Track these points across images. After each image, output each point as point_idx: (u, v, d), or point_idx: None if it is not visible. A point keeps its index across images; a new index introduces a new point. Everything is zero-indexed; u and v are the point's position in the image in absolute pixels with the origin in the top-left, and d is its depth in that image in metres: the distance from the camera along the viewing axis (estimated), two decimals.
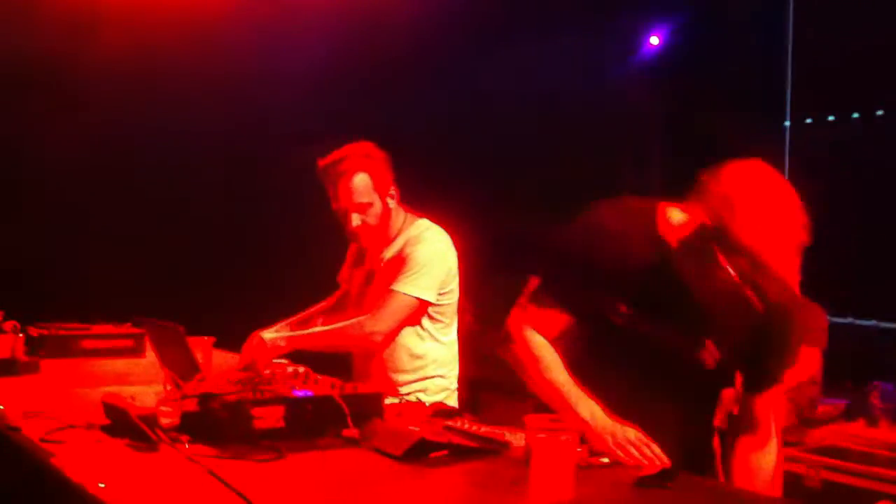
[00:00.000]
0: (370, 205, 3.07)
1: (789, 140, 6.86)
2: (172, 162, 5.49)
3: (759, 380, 2.20)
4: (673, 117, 6.96)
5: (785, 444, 5.00)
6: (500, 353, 2.29)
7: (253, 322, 3.13)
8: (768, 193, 1.96)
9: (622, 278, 2.08)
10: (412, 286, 3.00)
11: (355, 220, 3.08)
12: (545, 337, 2.20)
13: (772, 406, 2.22)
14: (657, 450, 2.02)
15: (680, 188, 2.05)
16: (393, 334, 3.03)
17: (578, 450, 1.83)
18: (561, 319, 2.18)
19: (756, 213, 1.92)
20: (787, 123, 6.90)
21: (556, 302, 2.18)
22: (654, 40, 7.13)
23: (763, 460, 2.19)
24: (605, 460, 1.99)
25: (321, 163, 3.11)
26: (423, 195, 3.26)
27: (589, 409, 2.10)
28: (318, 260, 3.67)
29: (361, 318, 3.03)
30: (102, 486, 1.79)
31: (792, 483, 4.55)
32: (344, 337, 3.05)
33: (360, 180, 3.06)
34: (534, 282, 2.28)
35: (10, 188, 5.11)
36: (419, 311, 3.04)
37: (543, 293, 2.20)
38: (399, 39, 5.70)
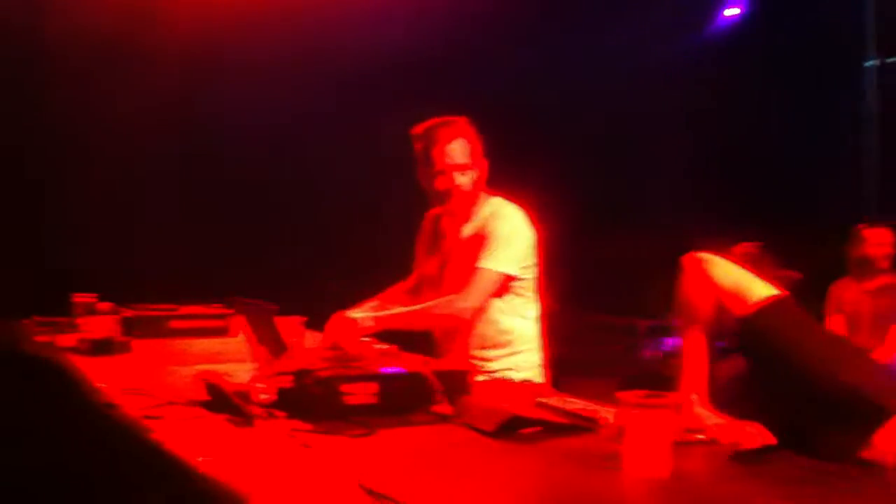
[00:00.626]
0: (469, 167, 3.12)
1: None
2: (264, 145, 5.59)
3: None
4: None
5: None
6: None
7: (334, 303, 3.18)
8: None
9: None
10: (495, 261, 3.03)
11: (457, 177, 3.11)
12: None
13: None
14: (756, 428, 2.00)
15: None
16: (481, 310, 3.06)
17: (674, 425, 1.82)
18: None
19: None
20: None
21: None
22: (732, 11, 7.00)
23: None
24: (701, 436, 1.97)
25: (420, 127, 3.16)
26: (497, 176, 3.29)
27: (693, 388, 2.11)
28: (397, 243, 3.71)
29: (450, 296, 3.06)
30: (201, 459, 1.83)
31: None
32: (433, 315, 3.08)
33: (462, 144, 3.11)
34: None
35: (103, 173, 5.26)
36: (504, 285, 3.07)
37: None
38: (467, 25, 5.72)
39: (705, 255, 2.26)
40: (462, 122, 3.16)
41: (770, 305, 2.14)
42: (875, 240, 5.38)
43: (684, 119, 6.71)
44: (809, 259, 4.15)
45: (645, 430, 1.73)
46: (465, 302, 3.04)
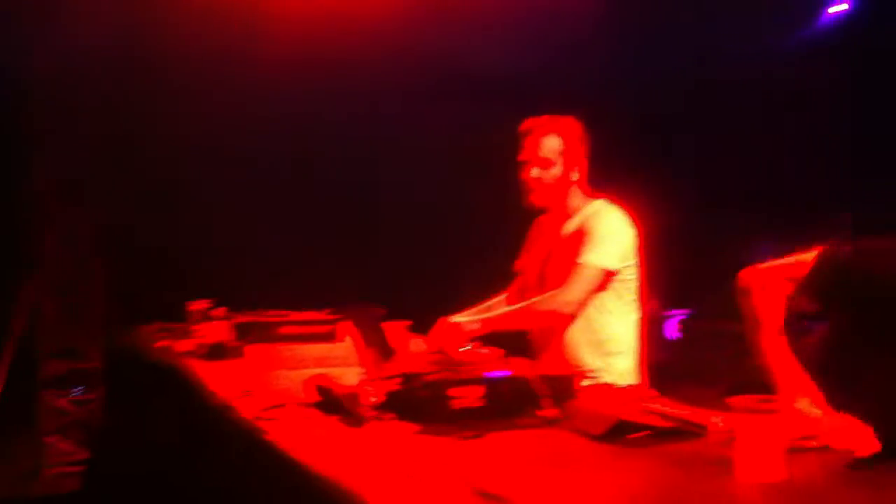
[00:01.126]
0: (552, 163, 3.17)
1: None
2: (371, 155, 5.67)
3: None
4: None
5: None
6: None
7: (437, 309, 3.21)
8: None
9: None
10: (595, 256, 3.05)
11: (533, 171, 3.18)
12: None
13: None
14: (871, 436, 1.94)
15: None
16: (582, 305, 3.06)
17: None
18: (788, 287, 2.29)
19: None
20: None
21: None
22: (839, 7, 6.78)
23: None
24: (814, 442, 1.93)
25: (526, 122, 3.23)
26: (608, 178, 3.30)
27: (802, 391, 2.07)
28: (501, 250, 3.73)
29: (551, 292, 3.08)
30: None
31: None
32: (536, 312, 3.10)
33: (551, 140, 3.17)
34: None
35: (214, 185, 5.44)
36: (604, 282, 3.07)
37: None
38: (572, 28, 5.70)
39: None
40: (563, 120, 3.21)
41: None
42: None
43: (794, 117, 6.53)
44: None
45: (758, 435, 1.70)
46: (567, 296, 3.05)
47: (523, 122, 3.25)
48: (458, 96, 5.76)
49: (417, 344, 3.09)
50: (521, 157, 3.21)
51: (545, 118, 3.22)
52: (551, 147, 3.18)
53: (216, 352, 3.34)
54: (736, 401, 1.76)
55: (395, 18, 5.46)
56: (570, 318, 3.08)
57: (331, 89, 5.61)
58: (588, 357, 3.11)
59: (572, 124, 3.21)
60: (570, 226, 3.20)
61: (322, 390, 2.34)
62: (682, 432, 2.05)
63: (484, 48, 5.66)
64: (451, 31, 5.59)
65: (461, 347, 2.85)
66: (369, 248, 5.56)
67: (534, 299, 3.13)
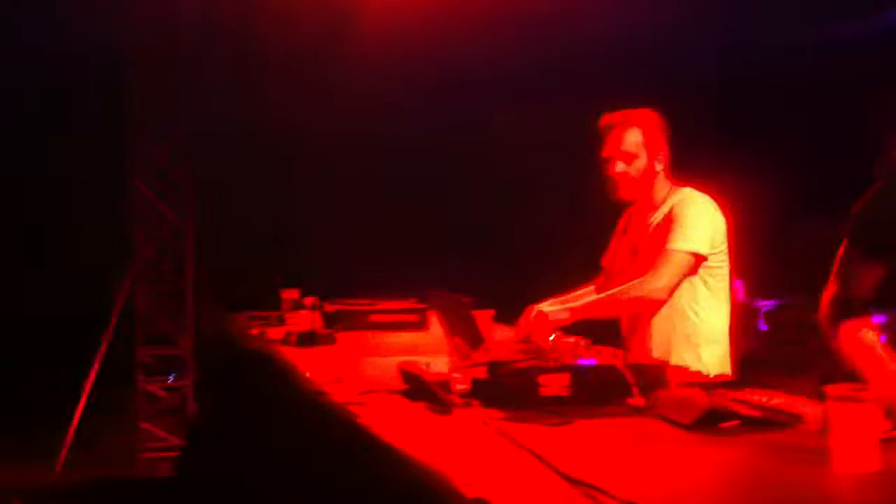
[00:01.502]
0: (636, 156, 3.19)
1: None
2: (455, 146, 5.71)
3: None
4: None
5: None
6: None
7: (525, 298, 3.23)
8: None
9: None
10: (684, 241, 3.04)
11: (618, 166, 3.21)
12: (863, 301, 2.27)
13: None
14: None
15: None
16: (672, 291, 3.05)
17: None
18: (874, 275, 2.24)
19: None
20: None
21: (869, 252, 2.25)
22: None
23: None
24: None
25: (604, 118, 3.26)
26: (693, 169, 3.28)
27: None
28: (588, 240, 3.73)
29: (641, 278, 3.07)
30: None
31: None
32: (625, 300, 3.09)
33: (632, 133, 3.20)
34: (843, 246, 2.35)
35: (305, 175, 5.54)
36: (694, 267, 3.05)
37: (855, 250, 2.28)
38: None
39: None
40: (641, 113, 3.23)
41: None
42: None
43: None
44: None
45: (853, 423, 1.67)
46: (657, 283, 3.03)
47: (601, 117, 3.27)
48: (546, 90, 5.76)
49: (504, 333, 3.12)
50: (604, 153, 3.23)
51: (623, 112, 3.24)
52: (634, 140, 3.19)
53: (307, 339, 3.42)
54: (831, 389, 1.73)
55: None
56: (660, 304, 3.07)
57: (400, 83, 5.66)
58: (678, 346, 3.09)
59: (651, 115, 3.23)
60: (658, 215, 3.19)
61: (411, 377, 2.38)
62: (775, 422, 2.02)
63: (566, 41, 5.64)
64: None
65: (549, 336, 2.87)
66: (456, 238, 5.60)
67: (623, 286, 3.13)
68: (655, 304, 3.07)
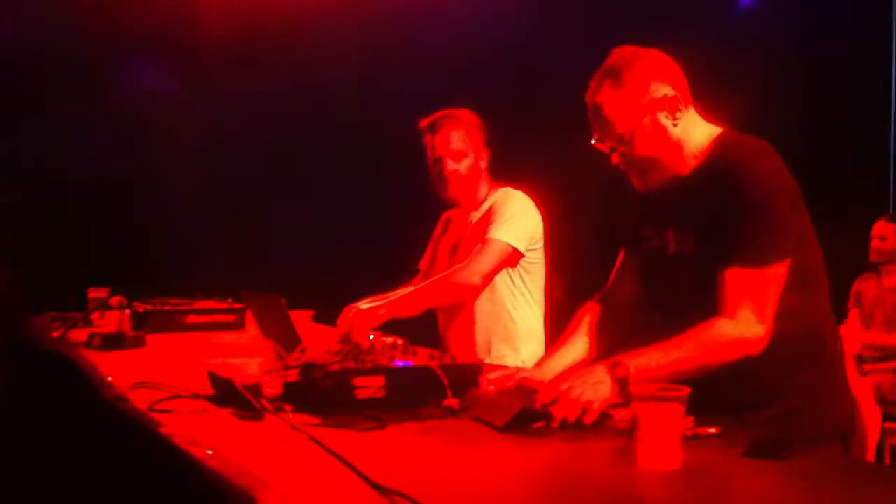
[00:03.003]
0: (465, 154, 3.23)
1: None
2: (275, 143, 5.59)
3: (725, 250, 2.10)
4: None
5: (893, 418, 4.89)
6: None
7: (347, 297, 3.17)
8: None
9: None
10: (503, 233, 3.09)
11: (450, 164, 3.23)
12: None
13: (744, 285, 2.07)
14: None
15: None
16: (489, 278, 3.08)
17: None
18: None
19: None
20: None
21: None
22: None
23: (718, 326, 2.08)
24: (713, 430, 1.94)
25: (425, 120, 3.27)
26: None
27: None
28: (408, 241, 3.71)
29: (457, 265, 3.09)
30: (210, 452, 1.82)
31: None
32: (442, 287, 3.10)
33: (458, 134, 3.24)
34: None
35: (118, 171, 5.29)
36: (511, 259, 3.09)
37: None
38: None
39: None
40: (463, 112, 3.27)
41: None
42: (874, 231, 5.36)
43: None
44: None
45: (657, 422, 1.70)
46: (473, 268, 3.06)
47: (422, 121, 3.28)
48: (356, 92, 5.74)
49: (325, 333, 3.04)
50: (433, 153, 3.21)
51: (445, 112, 3.26)
52: (461, 139, 3.22)
53: (114, 341, 3.22)
54: (636, 388, 1.76)
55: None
56: (474, 289, 3.10)
57: (229, 85, 5.52)
58: (498, 344, 3.12)
59: (472, 116, 3.27)
60: (478, 213, 3.23)
61: (219, 381, 2.27)
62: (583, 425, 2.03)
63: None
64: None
65: (368, 335, 2.82)
66: (271, 238, 5.48)
67: (439, 275, 3.15)
68: (470, 290, 3.10)
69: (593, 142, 2.25)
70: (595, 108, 2.24)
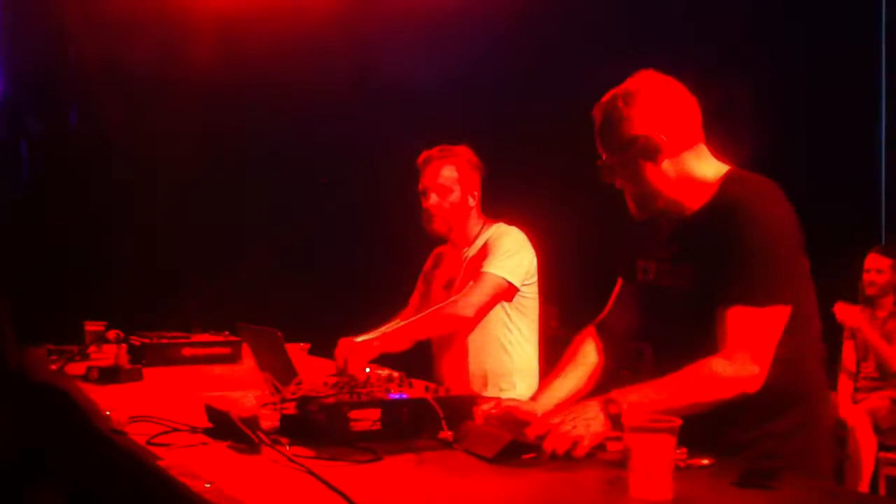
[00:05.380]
0: (450, 190, 3.27)
1: None
2: (271, 175, 5.63)
3: (724, 289, 2.10)
4: None
5: (886, 448, 4.91)
6: None
7: (342, 331, 3.20)
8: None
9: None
10: (499, 268, 3.12)
11: (432, 198, 3.28)
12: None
13: (743, 325, 2.07)
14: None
15: None
16: (483, 311, 3.10)
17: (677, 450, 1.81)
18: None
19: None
20: None
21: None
22: None
23: (714, 365, 2.08)
24: (706, 462, 1.96)
25: (422, 155, 3.33)
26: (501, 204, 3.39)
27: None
28: (404, 275, 3.74)
29: (452, 298, 3.12)
30: (209, 485, 1.84)
31: None
32: (435, 319, 3.13)
33: (447, 169, 3.28)
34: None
35: (111, 203, 5.31)
36: (506, 294, 3.11)
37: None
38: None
39: None
40: (457, 149, 3.32)
41: None
42: (868, 265, 5.35)
43: None
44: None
45: (649, 453, 1.72)
46: (468, 300, 3.09)
47: (420, 154, 3.34)
48: (350, 119, 5.78)
49: (321, 366, 3.07)
50: (420, 186, 3.27)
51: (440, 147, 3.32)
52: (449, 175, 3.27)
53: (111, 374, 3.24)
54: (628, 418, 1.78)
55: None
56: (467, 321, 3.13)
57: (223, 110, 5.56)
58: (493, 378, 3.14)
59: (465, 152, 3.32)
60: (472, 249, 3.26)
61: (216, 413, 2.29)
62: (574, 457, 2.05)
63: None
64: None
65: (364, 368, 2.84)
66: (269, 271, 5.51)
67: (433, 307, 3.17)
68: (462, 321, 3.13)
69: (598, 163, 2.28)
70: (596, 126, 2.27)
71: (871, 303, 5.40)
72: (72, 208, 5.35)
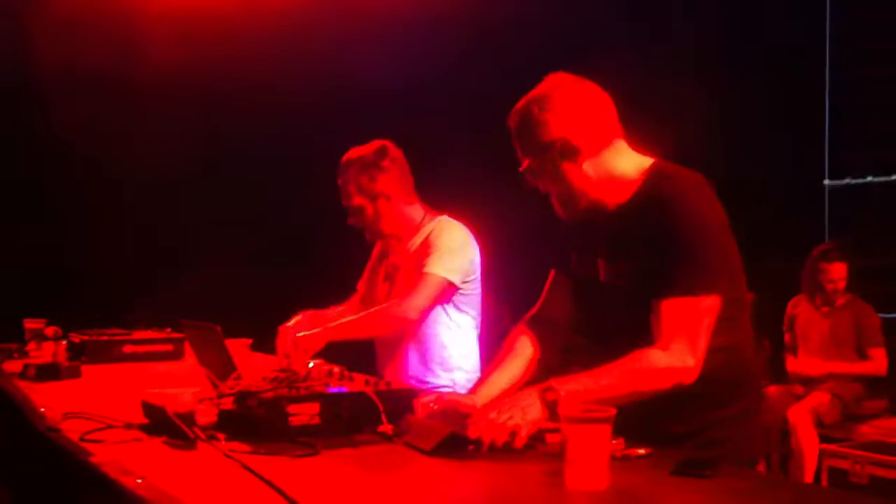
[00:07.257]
0: (358, 207, 3.26)
1: None
2: (211, 169, 5.58)
3: (659, 282, 2.11)
4: None
5: (831, 440, 4.99)
6: None
7: (277, 324, 3.17)
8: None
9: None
10: (440, 268, 3.11)
11: (352, 215, 3.29)
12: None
13: (678, 317, 2.08)
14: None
15: None
16: (426, 313, 3.10)
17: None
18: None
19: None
20: None
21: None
22: None
23: (651, 356, 2.09)
24: (642, 451, 1.97)
25: (343, 158, 3.32)
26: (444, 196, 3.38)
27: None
28: (346, 267, 3.72)
29: (395, 299, 3.12)
30: (140, 481, 1.80)
31: (839, 478, 4.50)
32: (379, 319, 3.13)
33: (350, 185, 3.25)
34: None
35: (50, 196, 5.23)
36: (447, 293, 3.12)
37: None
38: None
39: None
40: (346, 159, 3.26)
41: None
42: (832, 275, 5.45)
43: None
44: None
45: (585, 443, 1.72)
46: (410, 303, 3.09)
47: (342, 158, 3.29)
48: (297, 115, 5.75)
49: (264, 361, 3.04)
50: (344, 201, 3.26)
51: (352, 152, 3.26)
52: (349, 192, 3.25)
53: (49, 372, 3.18)
54: (565, 409, 1.78)
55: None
56: (410, 323, 3.12)
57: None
58: (431, 370, 3.14)
59: (364, 158, 3.25)
60: (416, 240, 3.26)
61: (152, 409, 2.25)
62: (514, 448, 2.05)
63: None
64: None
65: (307, 362, 2.82)
66: (212, 267, 5.46)
67: (377, 307, 3.17)
68: (406, 323, 3.14)
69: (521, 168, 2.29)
70: (513, 133, 2.28)
71: (826, 299, 5.49)
72: (19, 207, 5.27)
